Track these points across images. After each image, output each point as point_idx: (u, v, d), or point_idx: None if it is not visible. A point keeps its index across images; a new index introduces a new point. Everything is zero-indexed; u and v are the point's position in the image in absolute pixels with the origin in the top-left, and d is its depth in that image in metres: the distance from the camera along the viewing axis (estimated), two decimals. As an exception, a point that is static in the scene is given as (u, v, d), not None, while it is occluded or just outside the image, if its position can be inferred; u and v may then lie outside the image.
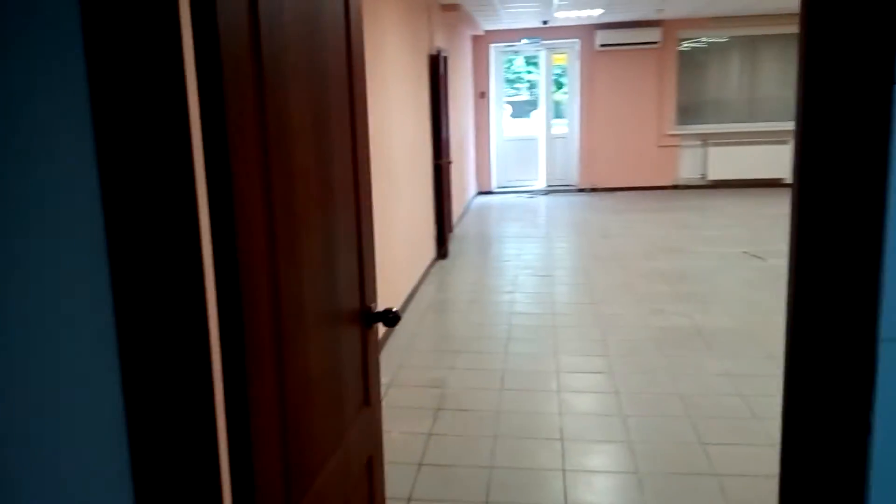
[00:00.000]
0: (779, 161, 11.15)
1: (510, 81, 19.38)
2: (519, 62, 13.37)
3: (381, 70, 5.01)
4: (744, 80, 11.45)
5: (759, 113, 11.41)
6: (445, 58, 8.22)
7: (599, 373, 4.19)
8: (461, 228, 8.92)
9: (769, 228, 8.08)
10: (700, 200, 10.33)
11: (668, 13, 10.23)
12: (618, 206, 10.09)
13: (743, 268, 6.41)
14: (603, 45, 11.13)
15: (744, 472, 3.02)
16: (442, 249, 7.40)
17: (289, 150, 1.28)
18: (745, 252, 6.90)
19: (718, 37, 11.28)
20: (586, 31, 11.29)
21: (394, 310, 1.76)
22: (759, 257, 6.68)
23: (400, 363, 4.41)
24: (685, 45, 11.35)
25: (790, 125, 11.43)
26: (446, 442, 3.37)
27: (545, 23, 10.35)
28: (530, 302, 5.73)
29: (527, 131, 12.42)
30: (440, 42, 7.88)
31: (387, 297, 4.95)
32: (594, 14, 9.56)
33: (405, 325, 5.17)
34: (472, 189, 11.53)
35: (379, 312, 1.75)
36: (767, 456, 3.12)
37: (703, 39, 11.31)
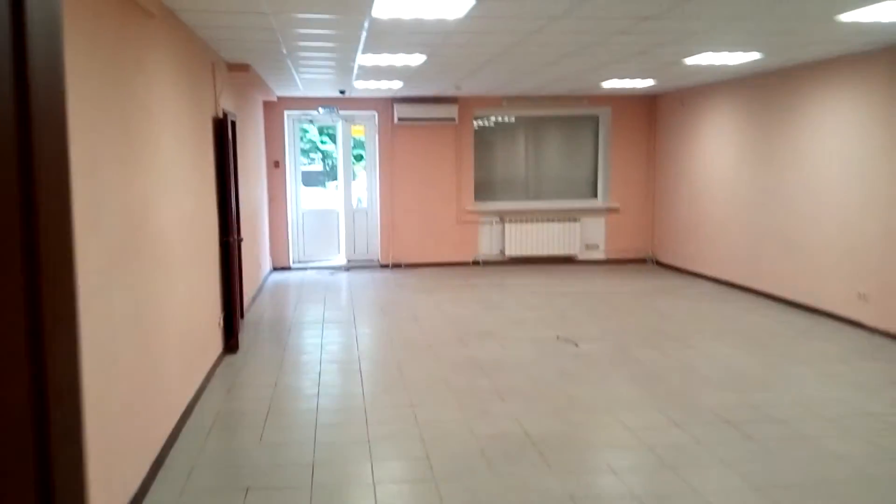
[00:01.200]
0: (571, 238, 11.45)
1: (304, 151, 18.67)
2: (313, 132, 12.67)
3: (151, 133, 4.05)
4: (532, 160, 11.75)
5: (550, 191, 11.73)
6: (234, 122, 7.33)
7: (428, 507, 3.45)
8: (255, 312, 7.87)
9: (573, 308, 8.00)
10: (501, 277, 10.20)
11: (465, 90, 10.20)
12: (423, 284, 9.63)
13: (558, 355, 6.09)
14: (401, 119, 10.85)
15: None
16: (231, 342, 6.34)
17: None
18: (558, 337, 6.64)
19: (509, 116, 11.51)
20: (384, 105, 10.97)
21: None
22: (573, 343, 6.44)
23: (171, 513, 3.36)
24: (479, 124, 11.43)
25: (578, 203, 11.92)
26: None
27: (343, 92, 9.84)
28: (339, 408, 4.88)
29: (326, 204, 11.70)
30: (227, 104, 6.99)
31: (157, 413, 3.88)
32: (394, 87, 9.22)
33: (180, 452, 4.09)
34: (267, 266, 10.51)
35: None
36: None
37: (493, 119, 11.48)
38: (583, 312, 7.78)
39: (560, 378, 5.48)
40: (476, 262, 11.42)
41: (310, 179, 17.11)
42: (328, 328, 7.19)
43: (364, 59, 6.79)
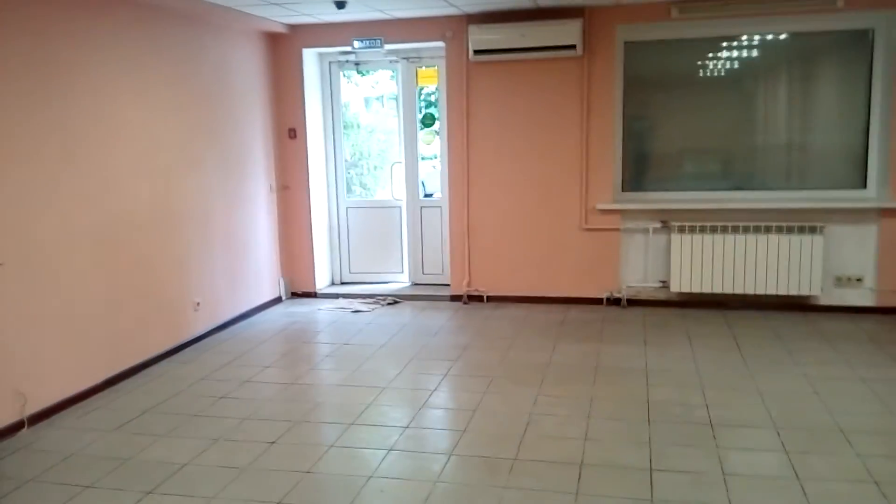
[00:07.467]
0: (805, 264, 6.01)
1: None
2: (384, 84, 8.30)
3: None
4: (728, 118, 6.37)
5: (764, 176, 6.33)
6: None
7: None
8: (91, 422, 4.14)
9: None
10: (662, 343, 5.27)
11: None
12: (508, 355, 5.09)
13: None
14: (480, 52, 6.27)
15: None
16: None
17: None
18: None
19: (701, 31, 6.28)
20: (455, 27, 6.47)
21: None
22: None
23: None
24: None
25: (823, 197, 6.11)
26: None
27: (340, 6, 5.56)
28: None
29: (385, 196, 7.57)
30: None
31: None
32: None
33: None
34: (267, 293, 6.77)
35: None
36: None
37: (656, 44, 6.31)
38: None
39: None
40: (615, 301, 6.51)
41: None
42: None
43: None
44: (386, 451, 3.59)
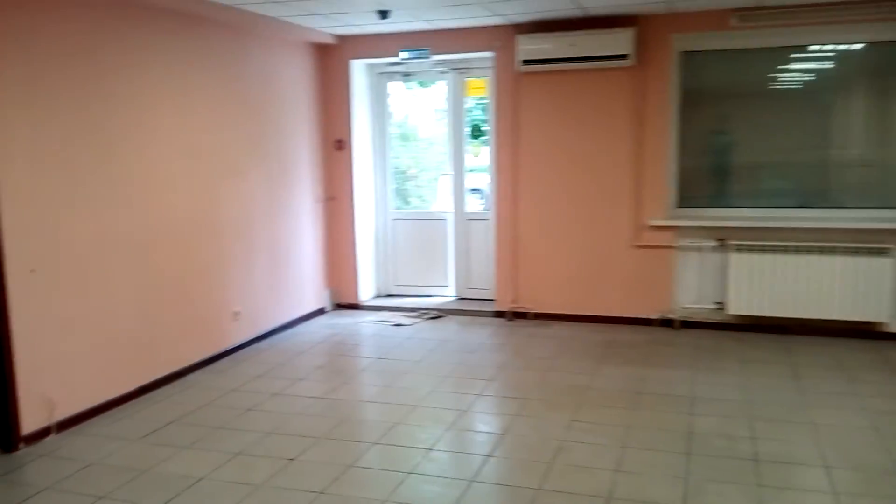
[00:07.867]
0: (872, 288, 5.59)
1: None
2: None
3: None
4: (791, 132, 6.00)
5: (828, 194, 5.95)
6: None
7: None
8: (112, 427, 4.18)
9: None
10: (718, 369, 4.99)
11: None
12: (547, 376, 4.91)
13: None
14: (529, 62, 6.11)
15: None
16: None
17: None
18: None
19: (764, 41, 5.94)
20: (504, 38, 6.32)
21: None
22: None
23: None
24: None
25: (892, 217, 5.72)
26: None
27: (384, 15, 5.49)
28: None
29: (432, 207, 7.45)
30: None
31: None
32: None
33: None
34: (310, 304, 6.75)
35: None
36: None
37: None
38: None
39: None
40: (667, 322, 6.21)
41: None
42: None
43: None
44: (405, 475, 3.45)
